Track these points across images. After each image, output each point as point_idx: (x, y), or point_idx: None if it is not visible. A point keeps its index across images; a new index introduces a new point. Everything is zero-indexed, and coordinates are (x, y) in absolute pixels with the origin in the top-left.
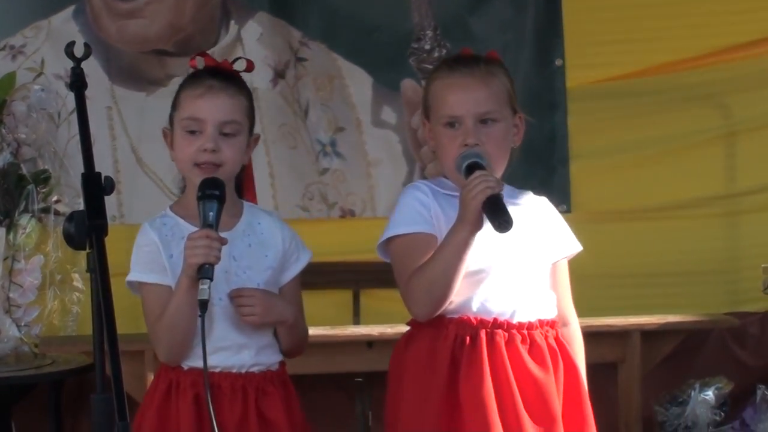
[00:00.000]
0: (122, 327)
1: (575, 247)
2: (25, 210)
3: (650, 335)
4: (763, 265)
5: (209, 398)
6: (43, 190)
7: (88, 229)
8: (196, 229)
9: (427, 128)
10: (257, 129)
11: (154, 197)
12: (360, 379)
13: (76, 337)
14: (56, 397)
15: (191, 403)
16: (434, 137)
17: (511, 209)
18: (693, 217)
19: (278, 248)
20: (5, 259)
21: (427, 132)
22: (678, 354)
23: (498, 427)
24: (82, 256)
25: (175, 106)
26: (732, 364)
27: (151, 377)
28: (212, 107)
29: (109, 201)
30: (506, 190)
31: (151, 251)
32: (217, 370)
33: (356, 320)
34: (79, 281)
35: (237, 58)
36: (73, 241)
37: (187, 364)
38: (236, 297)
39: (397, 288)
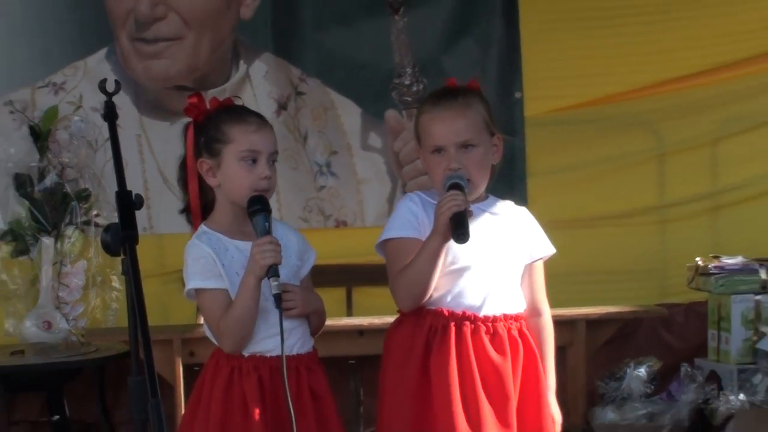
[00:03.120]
0: (153, 319)
1: (549, 249)
2: (70, 222)
3: (593, 323)
4: (687, 264)
5: (285, 376)
6: (85, 206)
7: (122, 239)
8: (237, 243)
9: (421, 153)
10: None
11: (178, 212)
12: (353, 362)
13: (115, 329)
14: (100, 379)
15: (255, 384)
16: (425, 161)
17: (489, 216)
18: (629, 225)
19: (295, 249)
20: (54, 263)
21: (421, 156)
22: (616, 338)
23: (458, 401)
24: (118, 261)
25: (222, 140)
26: (661, 346)
27: (179, 362)
28: (266, 140)
29: (140, 215)
30: (489, 200)
31: (207, 262)
32: (274, 353)
33: (349, 313)
34: (117, 282)
35: (236, 98)
36: (109, 249)
37: (246, 351)
38: (282, 292)
39: (382, 286)
